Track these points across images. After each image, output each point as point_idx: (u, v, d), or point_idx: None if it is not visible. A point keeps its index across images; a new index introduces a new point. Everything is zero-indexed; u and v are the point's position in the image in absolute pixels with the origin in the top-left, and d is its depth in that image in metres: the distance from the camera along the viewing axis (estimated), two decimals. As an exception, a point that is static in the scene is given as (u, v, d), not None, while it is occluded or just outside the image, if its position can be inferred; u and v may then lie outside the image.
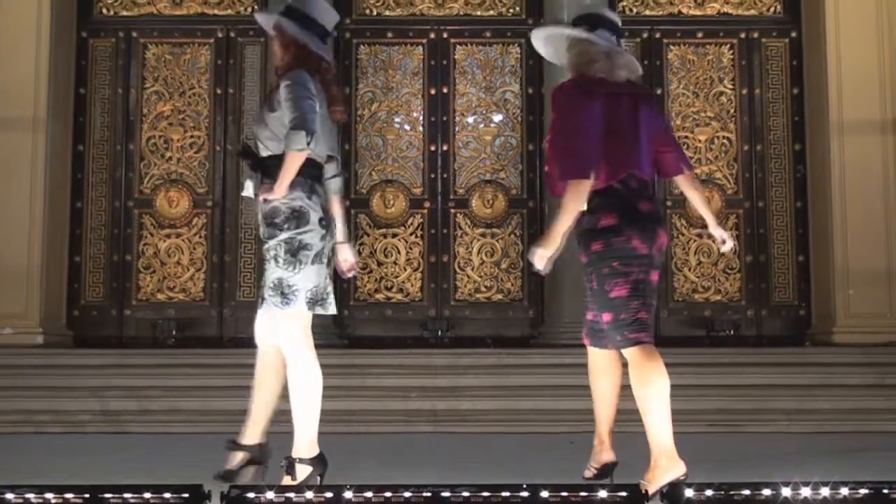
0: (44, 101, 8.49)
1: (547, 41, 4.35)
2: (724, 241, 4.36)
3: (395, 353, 7.93)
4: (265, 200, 3.98)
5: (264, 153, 4.06)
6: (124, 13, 9.31)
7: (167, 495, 3.14)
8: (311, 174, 4.00)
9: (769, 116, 9.22)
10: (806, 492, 3.15)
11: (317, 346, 4.15)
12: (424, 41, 9.36)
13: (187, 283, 9.09)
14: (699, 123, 9.24)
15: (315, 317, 4.16)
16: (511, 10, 9.40)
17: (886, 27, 8.58)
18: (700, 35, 9.33)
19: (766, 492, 3.17)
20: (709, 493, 3.19)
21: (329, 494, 3.15)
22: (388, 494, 3.14)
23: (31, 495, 3.11)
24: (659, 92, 9.21)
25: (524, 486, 3.19)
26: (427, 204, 9.22)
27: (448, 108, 9.28)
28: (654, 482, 3.84)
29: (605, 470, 4.22)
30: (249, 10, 9.31)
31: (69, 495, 3.13)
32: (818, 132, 8.81)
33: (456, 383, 7.46)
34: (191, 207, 9.15)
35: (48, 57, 8.54)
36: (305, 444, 3.99)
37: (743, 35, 9.30)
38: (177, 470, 4.93)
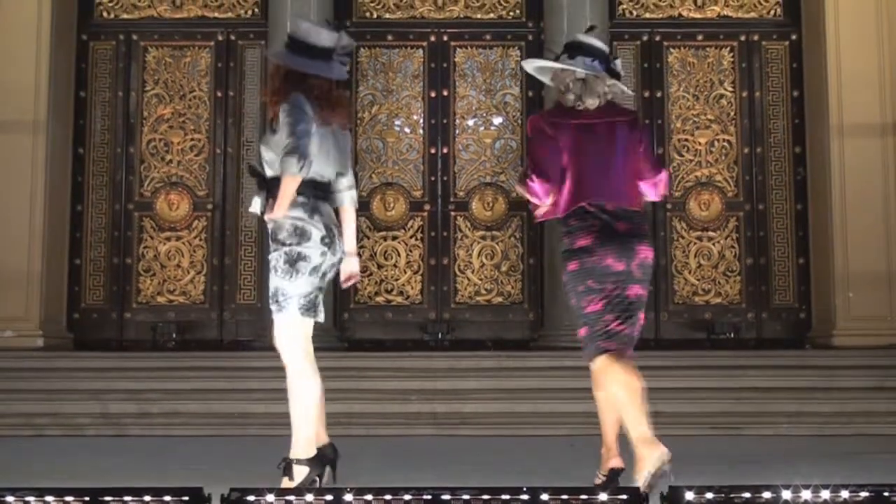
0: (44, 103, 8.50)
1: (538, 71, 4.55)
2: None
3: (395, 356, 7.93)
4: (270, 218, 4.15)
5: (269, 172, 4.18)
6: (125, 16, 9.32)
7: (167, 498, 3.13)
8: (314, 194, 4.12)
9: (769, 119, 9.23)
10: (806, 495, 3.15)
11: (317, 350, 4.21)
12: (425, 44, 9.36)
13: (187, 286, 9.09)
14: (699, 126, 9.25)
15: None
16: (511, 14, 9.40)
17: (886, 30, 8.59)
18: (700, 38, 9.33)
19: (767, 495, 3.16)
20: (709, 495, 3.18)
21: (329, 497, 3.14)
22: (388, 497, 3.14)
23: (31, 498, 3.11)
24: (659, 95, 9.22)
25: (524, 488, 3.19)
26: (427, 206, 9.22)
27: (448, 110, 9.28)
28: (640, 473, 3.93)
29: (612, 476, 4.25)
30: (249, 13, 9.32)
31: (69, 498, 3.13)
32: (818, 135, 8.81)
33: (456, 386, 7.46)
34: (191, 210, 9.15)
35: (48, 60, 8.55)
36: (301, 445, 4.05)
37: (743, 38, 9.31)
38: (177, 473, 4.93)
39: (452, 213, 9.21)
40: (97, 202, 9.14)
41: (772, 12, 9.36)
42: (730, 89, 9.28)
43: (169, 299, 9.06)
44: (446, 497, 3.13)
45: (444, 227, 9.20)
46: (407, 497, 3.13)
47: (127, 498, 3.12)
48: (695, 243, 9.14)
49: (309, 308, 4.11)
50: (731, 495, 3.18)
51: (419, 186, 9.25)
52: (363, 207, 9.14)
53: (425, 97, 9.31)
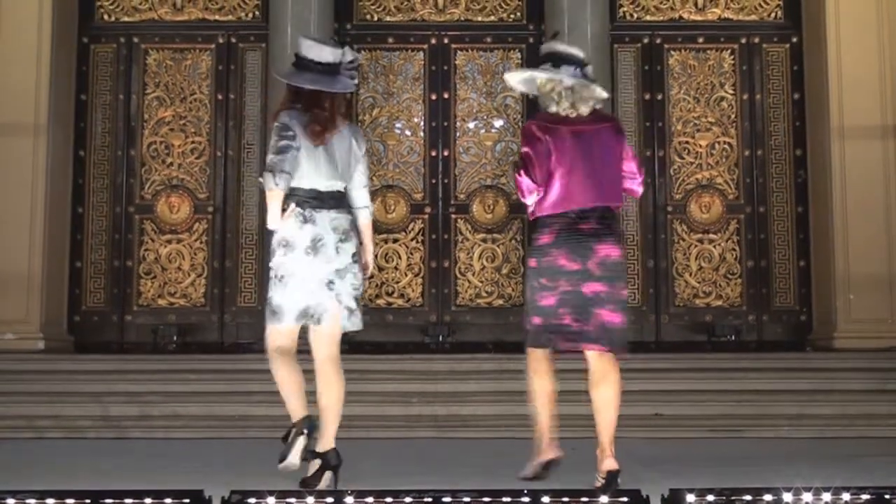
0: (45, 106, 8.50)
1: (522, 83, 4.71)
2: None
3: (396, 359, 7.93)
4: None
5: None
6: (125, 19, 9.33)
7: (168, 501, 3.14)
8: (310, 204, 4.35)
9: (770, 121, 9.23)
10: (807, 497, 3.15)
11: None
12: (425, 47, 9.37)
13: (188, 288, 9.09)
14: (700, 129, 9.25)
15: None
16: (512, 16, 9.41)
17: (887, 32, 8.59)
18: (701, 40, 9.33)
19: (768, 497, 3.17)
20: (710, 498, 3.19)
21: (330, 500, 3.15)
22: (389, 500, 3.14)
23: (31, 500, 3.11)
24: (660, 97, 9.22)
25: (525, 491, 3.19)
26: (428, 209, 9.22)
27: (449, 113, 9.28)
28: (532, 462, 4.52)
29: (610, 478, 4.25)
30: (250, 16, 9.33)
31: (70, 501, 3.13)
32: (819, 137, 8.81)
33: (457, 388, 7.46)
34: (192, 213, 9.15)
35: (49, 62, 8.55)
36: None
37: (744, 40, 9.31)
38: (177, 475, 4.93)
39: (453, 216, 9.21)
40: (98, 205, 9.14)
41: (772, 15, 9.36)
42: (730, 92, 9.28)
43: (170, 302, 9.07)
44: (447, 500, 3.13)
45: (444, 230, 9.20)
46: (408, 500, 3.14)
47: (128, 500, 3.13)
48: (695, 246, 9.14)
49: (275, 313, 4.36)
50: (732, 497, 3.18)
51: (420, 189, 9.25)
52: (364, 210, 9.15)
53: (426, 100, 9.32)
